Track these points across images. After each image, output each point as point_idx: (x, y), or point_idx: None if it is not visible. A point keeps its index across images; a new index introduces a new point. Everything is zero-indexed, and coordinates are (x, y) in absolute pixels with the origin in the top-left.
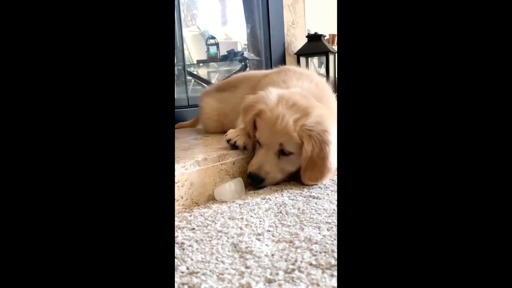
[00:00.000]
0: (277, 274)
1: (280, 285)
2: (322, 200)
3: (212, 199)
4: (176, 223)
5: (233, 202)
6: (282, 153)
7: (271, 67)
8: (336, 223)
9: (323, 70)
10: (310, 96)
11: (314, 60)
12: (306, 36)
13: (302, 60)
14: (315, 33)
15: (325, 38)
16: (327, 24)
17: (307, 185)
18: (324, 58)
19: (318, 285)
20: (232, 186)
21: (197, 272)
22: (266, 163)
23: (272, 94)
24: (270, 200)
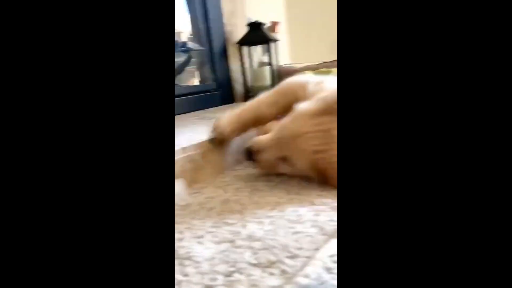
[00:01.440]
0: (215, 279)
1: None
2: (266, 192)
3: None
4: None
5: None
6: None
7: (212, 58)
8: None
9: (266, 58)
10: None
11: (258, 49)
12: (247, 25)
13: (245, 49)
14: (256, 21)
15: (266, 26)
16: (268, 12)
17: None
18: (266, 47)
19: (257, 286)
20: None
21: None
22: (267, 153)
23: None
24: (214, 198)
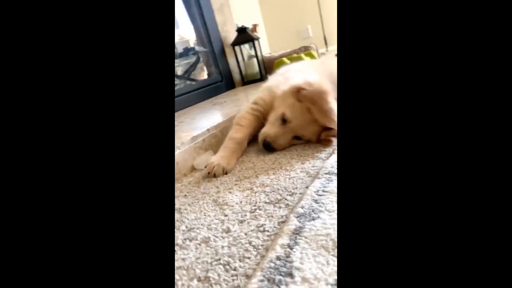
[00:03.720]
0: (245, 215)
1: (248, 222)
2: (266, 153)
3: (193, 169)
4: None
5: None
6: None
7: (215, 56)
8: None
9: (253, 52)
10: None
11: (246, 46)
12: (236, 30)
13: (237, 48)
14: (242, 26)
15: (249, 28)
16: (249, 17)
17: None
18: (252, 44)
19: (272, 216)
20: (205, 157)
21: (193, 228)
22: (282, 138)
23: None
24: None
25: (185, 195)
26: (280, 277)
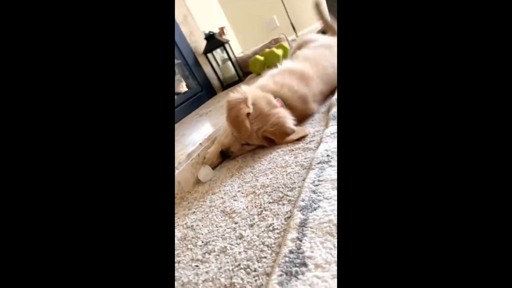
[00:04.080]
0: (254, 219)
1: (258, 225)
2: (261, 154)
3: (196, 184)
4: (181, 212)
5: (210, 180)
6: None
7: (190, 68)
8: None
9: (225, 55)
10: (270, 97)
11: (218, 51)
12: (204, 38)
13: (210, 55)
14: (209, 32)
15: (217, 33)
16: (214, 21)
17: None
18: (223, 48)
19: (278, 214)
20: (206, 170)
21: (208, 241)
22: (233, 146)
23: (248, 102)
24: (231, 170)
25: (194, 212)
26: (296, 268)
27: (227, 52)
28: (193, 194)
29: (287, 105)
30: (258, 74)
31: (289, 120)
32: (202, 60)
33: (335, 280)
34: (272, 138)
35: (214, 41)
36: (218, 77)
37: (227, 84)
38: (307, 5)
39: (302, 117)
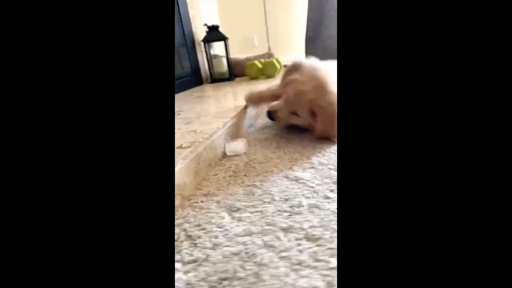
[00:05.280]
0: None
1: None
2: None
3: (223, 156)
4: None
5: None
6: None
7: (187, 52)
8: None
9: (219, 52)
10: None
11: (214, 44)
12: (207, 27)
13: (207, 45)
14: (213, 25)
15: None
16: (217, 17)
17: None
18: (221, 43)
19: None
20: (242, 143)
21: (288, 198)
22: (280, 111)
23: (305, 68)
24: (266, 132)
25: (245, 174)
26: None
27: (226, 48)
28: (226, 163)
29: None
30: (253, 79)
31: None
32: (197, 47)
33: None
34: (319, 122)
35: (216, 33)
36: (210, 69)
37: (216, 79)
38: (289, 35)
39: None
